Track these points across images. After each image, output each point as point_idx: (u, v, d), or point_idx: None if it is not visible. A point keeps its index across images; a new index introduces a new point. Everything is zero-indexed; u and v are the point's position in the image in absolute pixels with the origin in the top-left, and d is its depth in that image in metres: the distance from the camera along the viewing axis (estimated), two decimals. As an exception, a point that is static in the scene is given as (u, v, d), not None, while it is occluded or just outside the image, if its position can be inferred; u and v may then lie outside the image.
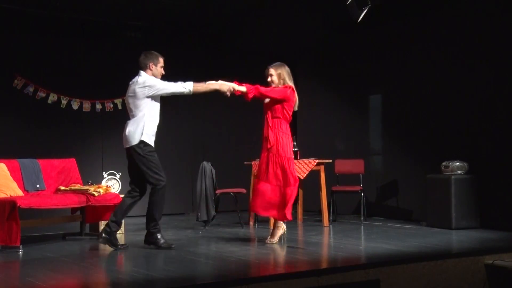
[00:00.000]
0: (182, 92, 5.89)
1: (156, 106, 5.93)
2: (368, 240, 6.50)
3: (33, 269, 4.98)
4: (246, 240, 6.67)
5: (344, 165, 8.57)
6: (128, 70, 9.28)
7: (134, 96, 5.83)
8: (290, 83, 6.20)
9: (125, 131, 5.86)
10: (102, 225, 7.12)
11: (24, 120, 8.64)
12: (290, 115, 6.20)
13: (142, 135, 5.79)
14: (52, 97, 8.77)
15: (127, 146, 5.85)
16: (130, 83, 5.95)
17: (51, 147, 8.51)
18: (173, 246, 5.92)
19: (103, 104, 9.15)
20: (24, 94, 8.61)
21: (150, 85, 5.81)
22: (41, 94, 8.70)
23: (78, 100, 8.96)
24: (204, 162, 7.92)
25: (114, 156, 9.16)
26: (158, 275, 4.56)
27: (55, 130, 8.81)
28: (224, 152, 10.02)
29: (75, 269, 5.14)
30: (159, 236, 5.92)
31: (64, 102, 8.86)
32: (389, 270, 4.91)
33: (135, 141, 5.79)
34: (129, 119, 5.91)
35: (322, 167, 7.78)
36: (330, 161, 8.15)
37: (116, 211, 5.92)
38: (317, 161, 7.71)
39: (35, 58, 8.73)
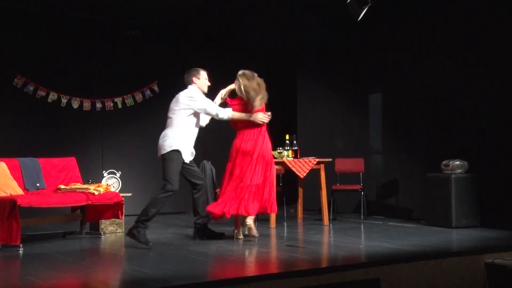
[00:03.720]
0: (221, 117, 6.32)
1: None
2: (368, 239, 6.50)
3: (33, 268, 4.98)
4: (246, 239, 6.66)
5: (344, 164, 8.56)
6: (128, 68, 9.40)
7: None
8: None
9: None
10: (102, 224, 7.12)
11: (24, 119, 8.64)
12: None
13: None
14: (52, 96, 8.77)
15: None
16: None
17: (51, 146, 8.51)
18: (151, 244, 5.94)
19: (103, 103, 9.15)
20: (24, 93, 8.61)
21: (193, 97, 6.24)
22: (41, 93, 8.70)
23: (78, 99, 8.96)
24: (204, 161, 7.93)
25: (114, 155, 9.18)
26: (158, 274, 4.56)
27: (55, 129, 8.81)
28: (224, 150, 9.98)
29: (75, 267, 5.14)
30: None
31: (64, 101, 8.86)
32: (389, 269, 4.91)
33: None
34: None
35: (322, 166, 7.77)
36: (330, 160, 8.15)
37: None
38: (317, 160, 7.71)
39: (35, 57, 8.73)
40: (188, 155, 6.25)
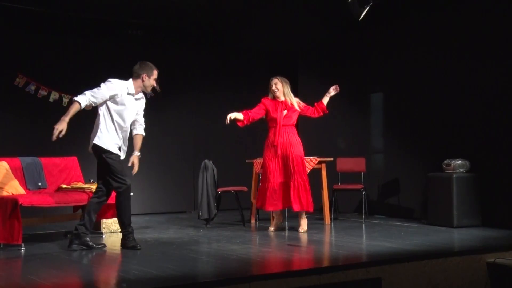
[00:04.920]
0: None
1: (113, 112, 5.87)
2: (369, 239, 6.50)
3: (35, 267, 4.99)
4: (248, 238, 6.67)
5: (346, 164, 8.56)
6: (130, 68, 9.35)
7: None
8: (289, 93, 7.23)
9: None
10: (103, 223, 7.13)
11: (25, 119, 8.65)
12: (271, 120, 7.10)
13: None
14: (54, 95, 8.78)
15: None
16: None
17: (53, 145, 8.42)
18: (139, 247, 5.83)
19: (104, 103, 9.15)
20: (26, 93, 8.61)
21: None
22: (43, 92, 8.71)
23: (80, 98, 8.96)
24: (206, 160, 7.93)
25: (116, 154, 9.17)
26: (160, 273, 4.56)
27: (57, 129, 8.81)
28: (225, 150, 10.03)
29: (77, 267, 5.15)
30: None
31: (65, 100, 8.86)
32: (390, 268, 4.91)
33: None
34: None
35: (323, 166, 7.77)
36: (332, 159, 8.14)
37: (83, 214, 5.86)
38: (319, 159, 7.70)
39: (37, 57, 8.73)
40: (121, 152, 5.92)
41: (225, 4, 8.50)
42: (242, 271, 4.81)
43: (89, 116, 9.01)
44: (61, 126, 5.57)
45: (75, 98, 5.71)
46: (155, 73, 5.95)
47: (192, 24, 9.43)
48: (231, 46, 10.02)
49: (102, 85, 5.82)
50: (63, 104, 8.85)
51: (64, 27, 8.79)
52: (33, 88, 8.65)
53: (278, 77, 7.12)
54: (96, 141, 5.80)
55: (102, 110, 5.87)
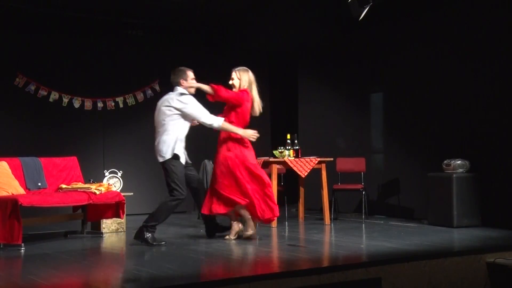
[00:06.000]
0: (211, 124, 6.18)
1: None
2: (369, 239, 6.50)
3: (34, 267, 4.99)
4: (247, 238, 6.65)
5: (346, 164, 8.56)
6: (130, 68, 9.40)
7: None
8: (250, 88, 6.41)
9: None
10: (103, 223, 7.13)
11: (25, 119, 8.65)
12: (245, 120, 6.37)
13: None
14: (54, 96, 8.78)
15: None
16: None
17: (53, 145, 8.52)
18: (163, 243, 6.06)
19: (104, 102, 9.15)
20: (26, 93, 8.61)
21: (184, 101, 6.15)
22: (43, 92, 8.71)
23: (80, 99, 8.97)
24: (206, 161, 7.93)
25: (116, 154, 9.18)
26: (159, 273, 4.56)
27: (57, 129, 8.82)
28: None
29: (77, 267, 5.14)
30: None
31: (65, 100, 8.86)
32: (390, 268, 4.91)
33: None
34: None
35: (323, 165, 7.77)
36: (332, 159, 8.14)
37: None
38: (319, 159, 7.70)
39: (37, 57, 8.73)
40: (184, 157, 6.24)
41: (225, 4, 8.51)
42: (241, 271, 4.81)
43: (88, 116, 9.05)
44: (251, 131, 6.22)
45: (219, 124, 6.16)
46: (189, 74, 6.35)
47: (192, 24, 9.43)
48: (231, 46, 10.01)
49: (192, 104, 6.16)
50: (63, 104, 8.86)
51: (64, 27, 8.79)
52: (33, 88, 8.64)
53: (236, 71, 6.52)
54: (170, 153, 6.09)
55: (179, 123, 6.15)
